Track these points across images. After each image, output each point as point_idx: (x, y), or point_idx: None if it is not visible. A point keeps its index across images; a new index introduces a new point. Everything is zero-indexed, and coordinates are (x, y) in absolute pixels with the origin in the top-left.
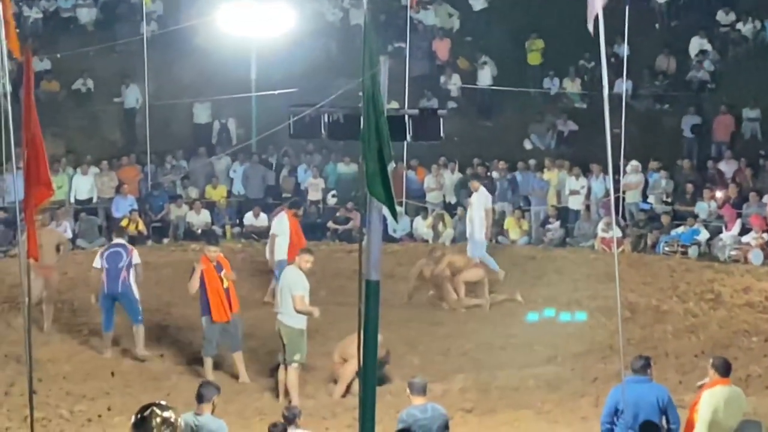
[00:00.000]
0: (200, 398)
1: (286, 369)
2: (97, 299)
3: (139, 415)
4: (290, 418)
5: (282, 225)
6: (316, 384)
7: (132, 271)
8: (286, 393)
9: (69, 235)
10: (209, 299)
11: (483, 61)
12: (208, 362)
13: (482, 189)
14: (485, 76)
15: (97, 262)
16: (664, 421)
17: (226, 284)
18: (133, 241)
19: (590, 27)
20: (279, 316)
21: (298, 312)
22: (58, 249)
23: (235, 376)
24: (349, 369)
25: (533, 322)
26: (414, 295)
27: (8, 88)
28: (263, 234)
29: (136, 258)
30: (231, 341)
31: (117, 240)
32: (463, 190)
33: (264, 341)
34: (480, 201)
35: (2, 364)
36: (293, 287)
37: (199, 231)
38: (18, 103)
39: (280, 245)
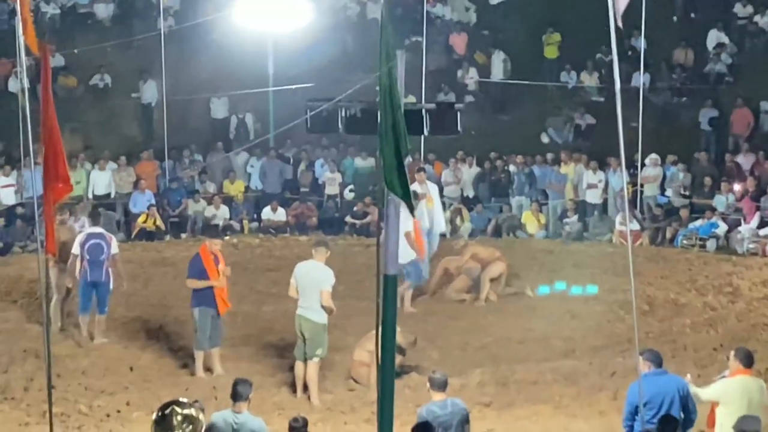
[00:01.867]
0: (237, 396)
1: (304, 364)
2: (75, 285)
3: (160, 413)
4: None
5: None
6: (334, 379)
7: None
8: (305, 388)
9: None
10: (215, 290)
11: (496, 52)
12: (201, 357)
13: (428, 182)
14: (497, 68)
15: (76, 249)
16: (681, 414)
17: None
18: (152, 236)
19: (619, 22)
20: (301, 311)
21: (323, 307)
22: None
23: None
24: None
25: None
26: (437, 291)
27: (26, 84)
28: (281, 229)
29: (114, 248)
30: (214, 336)
31: (94, 229)
32: (481, 183)
33: (282, 336)
34: (435, 193)
35: (21, 360)
36: (323, 282)
37: (220, 225)
38: (36, 99)
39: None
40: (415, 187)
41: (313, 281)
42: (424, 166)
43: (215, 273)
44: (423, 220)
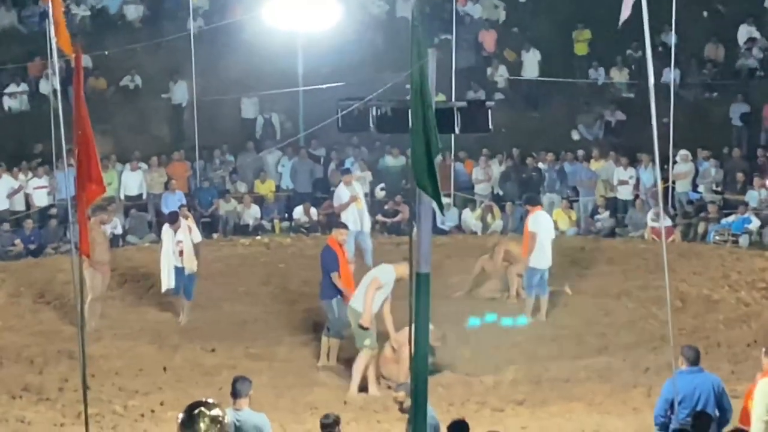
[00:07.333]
0: (237, 394)
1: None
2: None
3: (187, 414)
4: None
5: (539, 223)
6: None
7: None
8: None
9: (119, 231)
10: (344, 280)
11: (531, 50)
12: (336, 344)
13: (355, 182)
14: (532, 66)
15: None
16: (716, 411)
17: None
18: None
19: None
20: (351, 301)
21: (365, 292)
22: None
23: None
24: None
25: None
26: (474, 289)
27: (58, 85)
28: (312, 228)
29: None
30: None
31: None
32: (509, 182)
33: (315, 336)
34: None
35: (55, 361)
36: (380, 274)
37: (250, 226)
38: (67, 101)
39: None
40: (341, 189)
41: (369, 275)
42: (350, 167)
43: (345, 263)
44: (355, 223)
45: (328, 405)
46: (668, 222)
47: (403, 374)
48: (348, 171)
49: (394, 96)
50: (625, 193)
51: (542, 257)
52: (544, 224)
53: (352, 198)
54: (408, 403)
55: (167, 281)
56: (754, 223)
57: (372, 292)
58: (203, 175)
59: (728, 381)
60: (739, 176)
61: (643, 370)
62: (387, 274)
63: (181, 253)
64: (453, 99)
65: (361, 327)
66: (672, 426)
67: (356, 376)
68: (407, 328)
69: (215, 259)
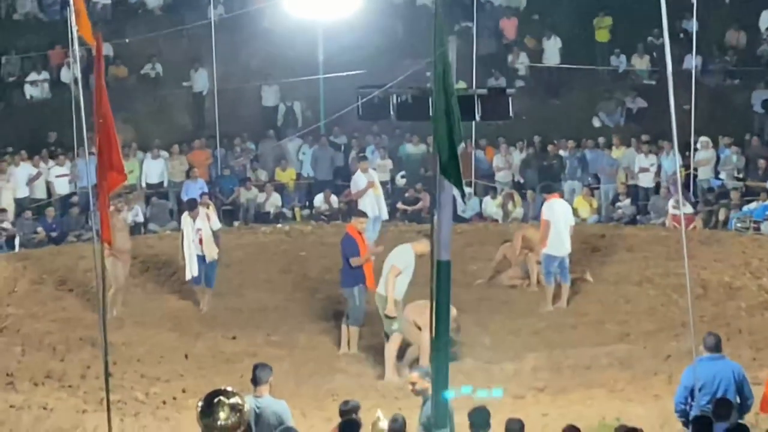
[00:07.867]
0: (257, 381)
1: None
2: None
3: (206, 403)
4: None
5: (553, 211)
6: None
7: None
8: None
9: (141, 219)
10: (364, 268)
11: (552, 37)
12: (356, 332)
13: (371, 170)
14: (552, 53)
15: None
16: (737, 398)
17: None
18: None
19: None
20: (378, 288)
21: (386, 281)
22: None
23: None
24: (425, 337)
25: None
26: (495, 277)
27: (78, 74)
28: (333, 216)
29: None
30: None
31: None
32: (528, 169)
33: (336, 323)
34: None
35: (78, 348)
36: (397, 260)
37: (270, 214)
38: (88, 89)
39: (553, 233)
40: (358, 176)
41: (389, 259)
42: (368, 155)
43: (366, 250)
44: (373, 208)
45: (349, 392)
46: (689, 209)
47: (424, 351)
48: (364, 158)
49: (414, 84)
50: (646, 181)
51: (558, 244)
52: (558, 212)
53: (369, 184)
54: (420, 385)
55: (190, 270)
56: None
57: (392, 280)
58: (224, 163)
59: (749, 368)
60: (761, 163)
61: (665, 357)
62: (404, 257)
63: (200, 241)
64: (474, 86)
65: (387, 316)
66: (692, 413)
67: (389, 361)
68: (417, 302)
69: (236, 247)
